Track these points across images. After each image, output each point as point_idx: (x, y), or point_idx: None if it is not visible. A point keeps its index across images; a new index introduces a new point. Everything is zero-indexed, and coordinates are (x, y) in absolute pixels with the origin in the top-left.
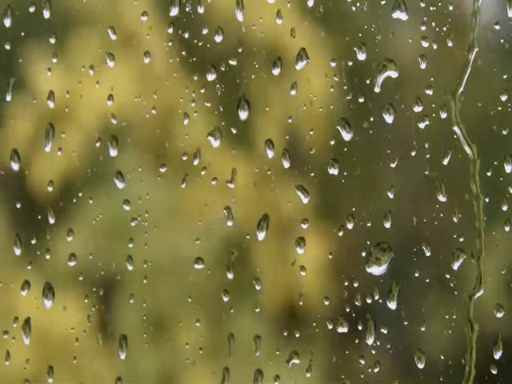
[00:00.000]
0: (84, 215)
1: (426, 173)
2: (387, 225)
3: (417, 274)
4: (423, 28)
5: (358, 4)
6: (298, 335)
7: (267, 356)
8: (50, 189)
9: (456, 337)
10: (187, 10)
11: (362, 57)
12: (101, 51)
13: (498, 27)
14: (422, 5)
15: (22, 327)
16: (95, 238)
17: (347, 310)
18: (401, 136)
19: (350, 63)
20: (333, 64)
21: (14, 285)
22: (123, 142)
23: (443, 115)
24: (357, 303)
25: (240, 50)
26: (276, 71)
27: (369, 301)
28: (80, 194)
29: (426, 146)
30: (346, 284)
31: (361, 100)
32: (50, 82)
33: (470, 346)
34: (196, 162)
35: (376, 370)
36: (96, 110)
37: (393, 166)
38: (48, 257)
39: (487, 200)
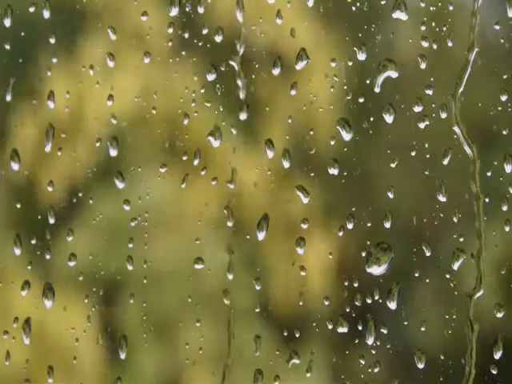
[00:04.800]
0: (84, 215)
1: (426, 173)
2: (387, 225)
3: (417, 274)
4: (423, 28)
5: (358, 4)
6: (297, 335)
7: (267, 356)
8: (50, 189)
9: (456, 337)
10: (187, 10)
11: (361, 57)
12: (101, 51)
13: (498, 27)
14: (422, 5)
15: (22, 327)
16: (95, 238)
17: (347, 310)
18: (401, 136)
19: (350, 63)
20: (333, 64)
21: (14, 285)
22: (123, 142)
23: (443, 115)
24: (357, 303)
25: (240, 50)
26: (276, 71)
27: (369, 301)
28: (80, 194)
29: (426, 146)
30: (346, 284)
31: (361, 100)
32: (50, 82)
33: (469, 346)
34: (196, 162)
35: (376, 370)
36: (96, 110)
37: (393, 166)
38: (48, 257)
39: (487, 200)
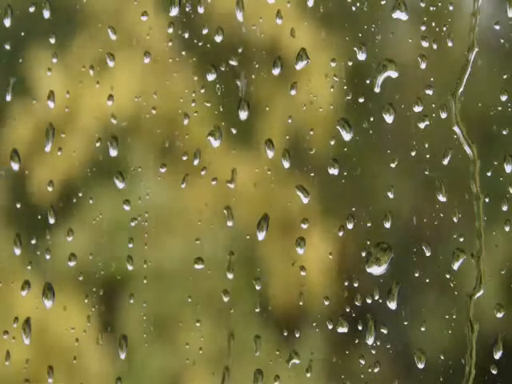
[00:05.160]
0: (84, 215)
1: (426, 173)
2: (387, 225)
3: (417, 274)
4: (423, 28)
5: (358, 4)
6: (297, 335)
7: (267, 356)
8: (50, 189)
9: (456, 337)
10: (187, 10)
11: (362, 57)
12: (101, 51)
13: (497, 27)
14: (422, 5)
15: (22, 327)
16: (95, 238)
17: (347, 310)
18: (401, 136)
19: (350, 63)
20: (333, 64)
21: (14, 285)
22: (123, 142)
23: (443, 115)
24: (357, 303)
25: (240, 50)
26: (276, 71)
27: (369, 301)
28: (80, 194)
29: (426, 146)
30: (346, 284)
31: (361, 100)
32: (50, 82)
33: (469, 346)
34: (196, 162)
35: (376, 370)
36: (96, 110)
37: (393, 166)
38: (48, 257)
39: (487, 200)
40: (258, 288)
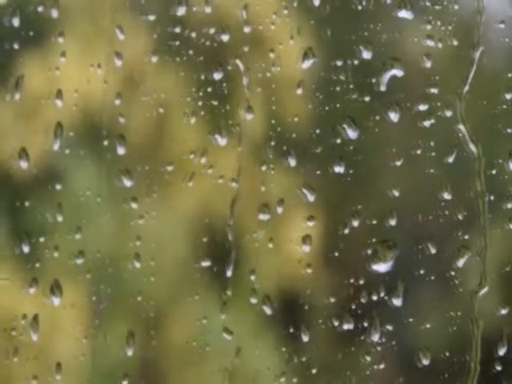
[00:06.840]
0: (86, 215)
1: (431, 171)
2: (392, 222)
3: (422, 271)
4: (428, 27)
5: (364, 3)
6: (298, 335)
7: (267, 356)
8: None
9: (460, 334)
10: (193, 9)
11: (367, 56)
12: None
13: (502, 26)
14: (428, 3)
15: (30, 324)
16: (98, 237)
17: (349, 309)
18: (406, 134)
19: (355, 62)
20: (337, 63)
21: (17, 283)
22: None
23: (448, 114)
24: (362, 300)
25: (241, 50)
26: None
27: (374, 298)
28: (80, 194)
29: (431, 144)
30: (351, 281)
31: (366, 99)
32: (51, 82)
33: (474, 343)
34: (198, 161)
35: (378, 368)
36: (98, 109)
37: (398, 164)
38: (56, 254)
39: (492, 198)
40: (258, 287)
